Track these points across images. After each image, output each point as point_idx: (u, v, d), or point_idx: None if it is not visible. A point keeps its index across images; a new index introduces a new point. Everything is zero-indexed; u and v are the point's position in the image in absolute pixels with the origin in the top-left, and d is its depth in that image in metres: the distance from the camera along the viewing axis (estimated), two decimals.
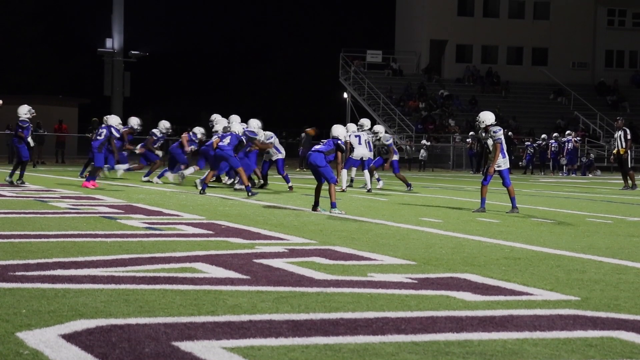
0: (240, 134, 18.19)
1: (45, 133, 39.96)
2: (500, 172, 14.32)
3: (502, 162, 14.27)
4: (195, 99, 79.28)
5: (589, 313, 5.84)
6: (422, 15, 61.76)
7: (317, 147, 14.11)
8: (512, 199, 14.41)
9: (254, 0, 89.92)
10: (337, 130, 14.30)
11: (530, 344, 4.96)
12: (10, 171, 19.72)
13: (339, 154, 14.03)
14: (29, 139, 19.42)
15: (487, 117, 14.34)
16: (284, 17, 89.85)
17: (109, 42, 44.74)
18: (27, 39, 67.89)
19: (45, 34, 70.65)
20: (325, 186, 13.89)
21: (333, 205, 13.43)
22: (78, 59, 70.04)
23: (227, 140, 17.74)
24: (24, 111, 19.55)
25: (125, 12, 45.01)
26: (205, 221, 11.58)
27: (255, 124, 19.98)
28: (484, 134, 14.33)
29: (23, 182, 19.27)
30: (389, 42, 67.05)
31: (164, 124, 23.30)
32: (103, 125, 20.39)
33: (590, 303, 6.21)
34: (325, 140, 14.24)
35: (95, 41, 47.19)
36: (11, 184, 19.01)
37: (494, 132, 14.15)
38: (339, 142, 13.98)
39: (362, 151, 20.06)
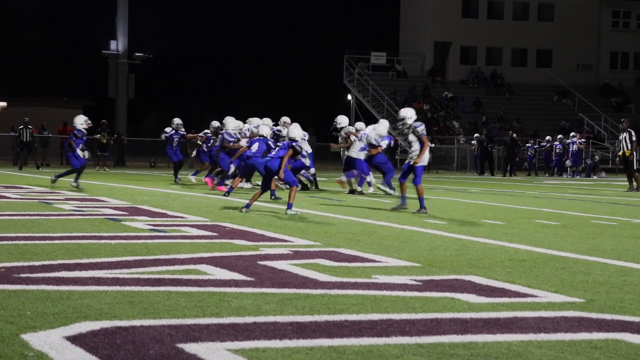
0: (268, 138, 17.66)
1: (50, 135, 40.01)
2: (414, 168, 14.32)
3: (423, 158, 14.29)
4: (199, 100, 79.35)
5: (593, 315, 5.83)
6: (426, 17, 61.74)
7: (272, 153, 13.86)
8: (421, 199, 14.27)
9: (258, 2, 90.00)
10: (294, 131, 14.18)
11: (535, 346, 4.96)
12: (73, 179, 19.33)
13: (290, 152, 13.70)
14: (79, 151, 19.16)
15: (413, 114, 14.46)
16: (288, 19, 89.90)
17: (113, 44, 44.83)
18: (32, 41, 68.00)
19: (50, 36, 70.78)
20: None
21: (289, 207, 13.35)
22: (82, 61, 70.20)
23: (255, 147, 17.43)
24: (80, 121, 19.31)
25: (129, 14, 45.11)
26: (209, 223, 11.59)
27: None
28: (405, 130, 14.45)
29: (77, 185, 18.95)
30: (393, 44, 67.07)
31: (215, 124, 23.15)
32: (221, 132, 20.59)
33: (595, 305, 6.20)
34: (281, 144, 14.01)
35: (100, 43, 47.32)
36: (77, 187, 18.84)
37: (415, 127, 14.28)
38: (295, 144, 13.88)
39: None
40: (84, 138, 19.43)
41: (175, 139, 23.57)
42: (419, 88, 57.35)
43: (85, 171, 30.31)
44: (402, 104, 54.52)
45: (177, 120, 23.68)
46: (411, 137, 14.28)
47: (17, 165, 33.65)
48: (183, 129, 23.67)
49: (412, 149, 14.31)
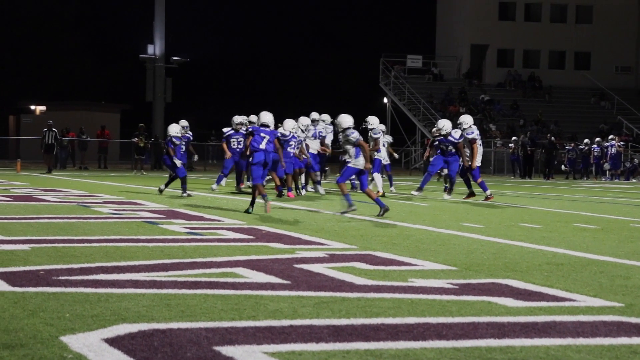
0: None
1: (88, 139, 40.37)
2: (346, 168, 14.47)
3: (356, 161, 14.27)
4: (235, 104, 79.55)
5: (633, 320, 5.78)
6: (462, 20, 61.53)
7: (263, 146, 13.94)
8: (346, 196, 14.28)
9: (294, 6, 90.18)
10: (266, 117, 14.43)
11: (573, 350, 4.92)
12: (164, 185, 19.00)
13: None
14: (176, 160, 18.70)
15: (345, 121, 14.47)
16: (324, 22, 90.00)
17: (150, 49, 45.10)
18: (71, 46, 68.68)
19: (88, 40, 71.45)
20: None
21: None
22: (120, 65, 70.71)
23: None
24: (177, 130, 18.85)
25: (166, 18, 45.37)
26: (246, 226, 11.62)
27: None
28: (340, 137, 14.61)
29: (188, 194, 18.39)
30: (429, 46, 66.92)
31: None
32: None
33: (635, 309, 6.14)
34: (267, 136, 14.03)
35: (137, 47, 47.65)
36: (160, 192, 18.57)
37: (348, 135, 14.28)
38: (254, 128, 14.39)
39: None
40: (181, 146, 18.97)
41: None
42: (455, 91, 57.15)
43: (122, 175, 30.57)
44: (439, 107, 54.42)
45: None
46: (348, 146, 14.35)
47: (57, 167, 33.91)
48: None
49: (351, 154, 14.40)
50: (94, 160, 40.73)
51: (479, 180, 18.78)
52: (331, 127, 21.32)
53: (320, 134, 20.82)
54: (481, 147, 19.09)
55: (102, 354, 4.58)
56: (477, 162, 18.89)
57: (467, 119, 19.22)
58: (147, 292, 6.33)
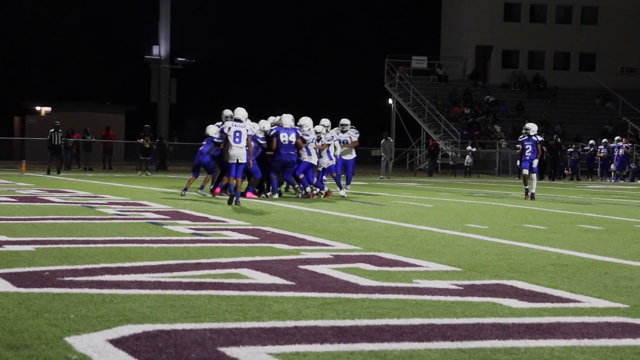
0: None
1: (93, 140, 40.42)
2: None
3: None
4: (240, 105, 79.52)
5: (638, 321, 5.77)
6: (468, 21, 61.51)
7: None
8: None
9: (299, 7, 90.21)
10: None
11: (578, 351, 4.91)
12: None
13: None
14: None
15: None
16: (329, 24, 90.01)
17: (155, 50, 45.13)
18: (76, 47, 68.69)
19: (93, 42, 71.46)
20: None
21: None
22: (125, 66, 70.77)
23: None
24: (215, 130, 18.95)
25: (171, 19, 45.41)
26: (250, 227, 11.62)
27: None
28: None
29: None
30: (434, 48, 66.89)
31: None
32: None
33: None
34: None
35: (142, 48, 47.64)
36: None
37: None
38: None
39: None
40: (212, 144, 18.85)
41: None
42: (460, 92, 57.13)
43: (127, 175, 30.59)
44: (443, 108, 54.39)
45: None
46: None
47: (54, 169, 33.61)
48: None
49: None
50: (98, 161, 40.77)
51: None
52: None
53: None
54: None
55: (106, 355, 4.59)
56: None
57: (306, 122, 19.23)
58: (152, 293, 6.34)
